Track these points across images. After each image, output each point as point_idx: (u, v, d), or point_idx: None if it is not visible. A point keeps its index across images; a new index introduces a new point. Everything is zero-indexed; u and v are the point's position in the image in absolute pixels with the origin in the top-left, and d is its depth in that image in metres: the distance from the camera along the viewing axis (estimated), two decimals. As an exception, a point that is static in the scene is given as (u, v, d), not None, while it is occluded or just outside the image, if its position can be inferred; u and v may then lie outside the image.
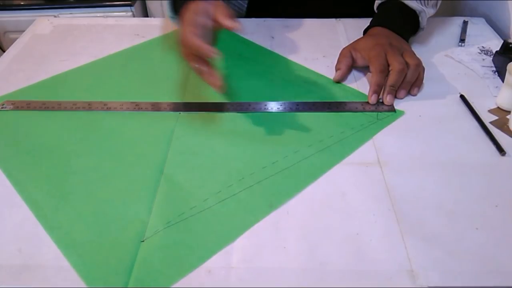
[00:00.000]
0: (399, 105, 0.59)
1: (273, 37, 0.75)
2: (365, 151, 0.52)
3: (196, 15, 0.54)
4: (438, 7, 0.71)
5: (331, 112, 0.57)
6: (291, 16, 0.80)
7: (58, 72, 0.67)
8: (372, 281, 0.38)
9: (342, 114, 0.57)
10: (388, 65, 0.59)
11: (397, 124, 0.56)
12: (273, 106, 0.59)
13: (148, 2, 1.45)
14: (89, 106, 0.59)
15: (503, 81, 0.58)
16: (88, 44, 0.74)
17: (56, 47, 0.74)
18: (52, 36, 0.77)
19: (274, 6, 0.83)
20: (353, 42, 0.66)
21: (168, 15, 0.65)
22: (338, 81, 0.63)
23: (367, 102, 0.59)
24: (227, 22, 0.52)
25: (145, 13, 1.47)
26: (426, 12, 0.67)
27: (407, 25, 0.67)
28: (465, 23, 0.77)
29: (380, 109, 0.58)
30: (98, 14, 1.33)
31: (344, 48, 0.66)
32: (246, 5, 0.82)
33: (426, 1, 0.67)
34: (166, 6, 0.65)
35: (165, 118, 0.57)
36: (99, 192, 0.47)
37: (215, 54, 0.51)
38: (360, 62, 0.64)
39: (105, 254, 0.41)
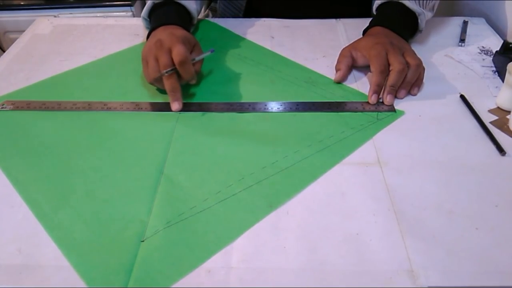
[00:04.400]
0: (399, 105, 0.59)
1: (273, 37, 0.75)
2: (365, 151, 0.52)
3: (184, 43, 0.59)
4: (435, 10, 0.71)
5: (331, 112, 0.57)
6: (291, 16, 0.80)
7: (58, 72, 0.67)
8: (372, 281, 0.38)
9: (342, 114, 0.57)
10: (389, 65, 0.59)
11: (397, 124, 0.56)
12: (273, 106, 0.59)
13: (148, 2, 1.45)
14: (89, 106, 0.59)
15: (503, 81, 0.58)
16: (88, 44, 0.74)
17: (56, 47, 0.74)
18: (52, 36, 0.77)
19: (274, 6, 0.83)
20: (353, 42, 0.66)
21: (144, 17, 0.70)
22: (339, 82, 0.63)
23: (367, 102, 0.59)
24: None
25: (145, 13, 1.46)
26: (425, 14, 0.67)
27: (406, 26, 0.67)
28: (465, 23, 0.77)
29: (380, 109, 0.58)
30: (98, 14, 1.33)
31: (344, 48, 0.66)
32: (244, 6, 0.82)
33: (425, 3, 0.67)
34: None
35: (165, 118, 0.57)
36: (99, 192, 0.47)
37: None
38: (360, 61, 0.64)
39: (105, 254, 0.41)
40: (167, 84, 0.57)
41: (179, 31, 0.62)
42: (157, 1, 0.68)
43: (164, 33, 0.61)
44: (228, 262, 0.40)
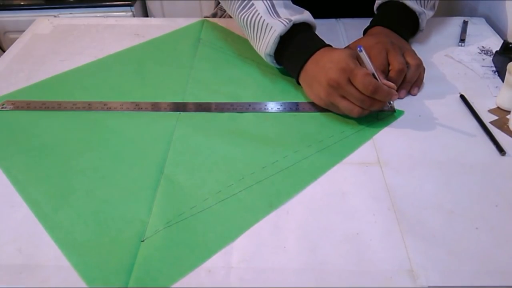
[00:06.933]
0: (399, 105, 0.59)
1: (273, 37, 0.75)
2: (365, 151, 0.52)
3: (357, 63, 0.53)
4: (435, 8, 0.71)
5: (331, 112, 0.57)
6: None
7: (58, 72, 0.67)
8: (372, 281, 0.38)
9: (342, 114, 0.57)
10: (388, 65, 0.59)
11: (397, 124, 0.56)
12: (273, 106, 0.59)
13: (148, 2, 1.45)
14: (89, 106, 0.59)
15: (503, 81, 0.58)
16: (88, 44, 0.74)
17: (56, 47, 0.74)
18: (52, 36, 0.77)
19: None
20: (354, 42, 0.66)
21: (270, 59, 0.61)
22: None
23: (367, 102, 0.59)
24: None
25: (145, 13, 1.47)
26: (426, 13, 0.67)
27: (407, 26, 0.67)
28: (465, 23, 0.77)
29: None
30: (98, 14, 1.33)
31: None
32: None
33: (425, 2, 0.67)
34: (264, 48, 0.60)
35: (165, 118, 0.57)
36: (99, 192, 0.47)
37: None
38: (360, 61, 0.64)
39: (105, 254, 0.41)
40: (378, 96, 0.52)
41: (337, 54, 0.54)
42: (283, 33, 0.58)
43: (325, 68, 0.53)
44: (228, 262, 0.40)
